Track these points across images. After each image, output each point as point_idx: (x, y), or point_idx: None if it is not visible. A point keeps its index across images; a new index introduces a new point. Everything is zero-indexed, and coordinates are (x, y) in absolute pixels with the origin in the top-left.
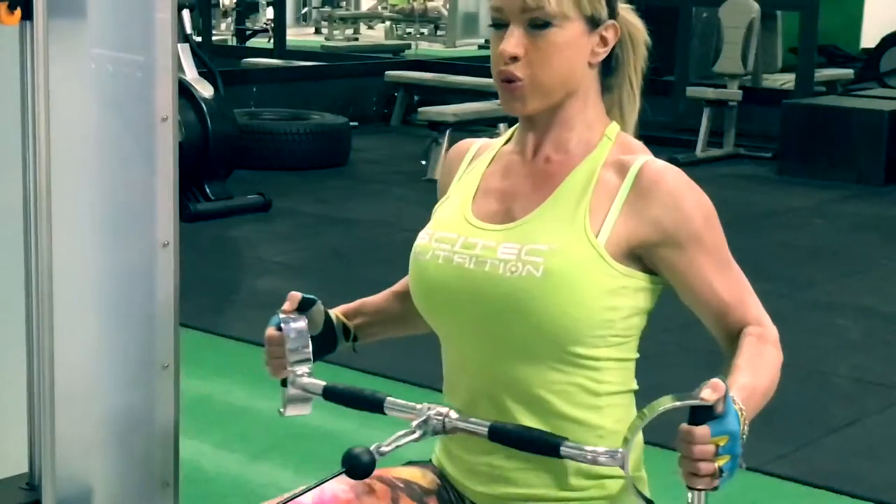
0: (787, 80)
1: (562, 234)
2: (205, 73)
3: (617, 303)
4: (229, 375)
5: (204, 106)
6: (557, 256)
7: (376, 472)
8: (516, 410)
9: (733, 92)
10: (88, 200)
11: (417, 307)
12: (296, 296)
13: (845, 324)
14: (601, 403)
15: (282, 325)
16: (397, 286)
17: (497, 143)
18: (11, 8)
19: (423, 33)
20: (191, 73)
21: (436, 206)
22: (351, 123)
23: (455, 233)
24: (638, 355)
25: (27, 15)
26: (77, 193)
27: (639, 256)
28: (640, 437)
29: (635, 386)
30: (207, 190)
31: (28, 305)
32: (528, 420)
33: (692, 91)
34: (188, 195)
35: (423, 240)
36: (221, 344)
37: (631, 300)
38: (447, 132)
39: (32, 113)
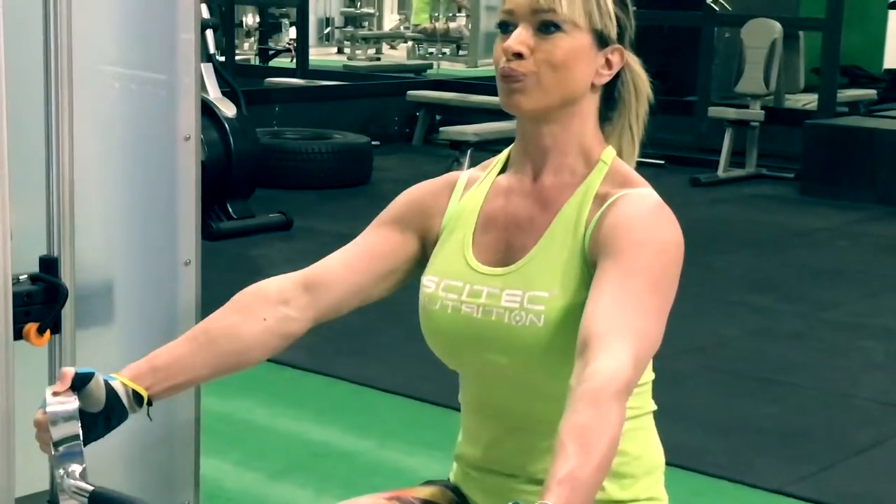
0: (809, 101)
1: (559, 277)
2: (228, 92)
3: None
4: (249, 394)
5: (227, 125)
6: (558, 303)
7: (394, 492)
8: (538, 443)
9: (756, 112)
10: (111, 218)
11: (433, 351)
12: (68, 373)
13: (869, 345)
14: (624, 427)
15: (47, 408)
16: (194, 331)
17: (489, 173)
18: (41, 331)
19: (444, 53)
20: (214, 93)
21: (433, 247)
22: (373, 143)
23: (461, 280)
24: (654, 376)
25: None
26: (100, 211)
27: None
28: (659, 458)
29: (653, 406)
30: (230, 208)
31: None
32: (551, 452)
33: (714, 111)
34: (210, 214)
35: (430, 288)
36: None
37: None
38: (468, 152)
39: (56, 121)
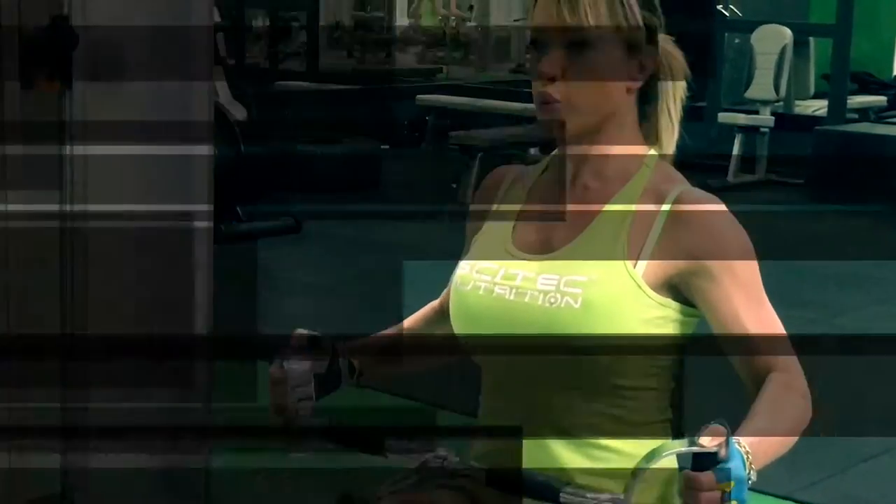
0: (819, 107)
1: (601, 265)
2: (238, 95)
3: (654, 333)
4: (257, 397)
5: (237, 128)
6: (596, 287)
7: (406, 495)
8: (553, 440)
9: (765, 118)
10: (124, 223)
11: (458, 337)
12: (301, 334)
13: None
14: (638, 433)
15: (284, 364)
16: (409, 321)
17: (534, 170)
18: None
19: (455, 58)
20: (224, 96)
21: (475, 236)
22: (382, 147)
23: (496, 264)
24: (674, 384)
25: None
26: (113, 215)
27: (675, 286)
28: (671, 465)
29: (670, 414)
30: (239, 212)
31: (63, 326)
32: (564, 450)
33: (724, 117)
34: (220, 217)
35: (464, 270)
36: (251, 366)
37: (668, 330)
38: (478, 156)
39: (70, 123)
